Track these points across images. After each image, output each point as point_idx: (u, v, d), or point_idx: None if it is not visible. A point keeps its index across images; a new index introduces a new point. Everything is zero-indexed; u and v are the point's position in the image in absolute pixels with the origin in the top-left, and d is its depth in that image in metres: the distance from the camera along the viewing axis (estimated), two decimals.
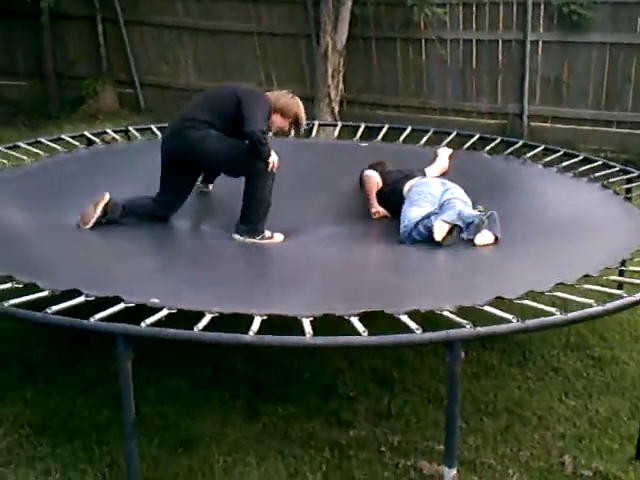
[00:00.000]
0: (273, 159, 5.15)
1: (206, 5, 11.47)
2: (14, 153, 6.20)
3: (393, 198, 5.65)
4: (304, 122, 5.65)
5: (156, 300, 3.41)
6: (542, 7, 9.84)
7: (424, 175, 5.84)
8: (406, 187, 5.62)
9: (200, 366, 4.51)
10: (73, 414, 4.09)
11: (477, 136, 6.80)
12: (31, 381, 4.39)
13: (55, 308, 3.32)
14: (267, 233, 5.27)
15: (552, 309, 3.38)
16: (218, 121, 5.20)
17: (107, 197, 5.11)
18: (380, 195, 5.79)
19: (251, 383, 4.41)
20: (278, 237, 5.32)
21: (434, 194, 5.35)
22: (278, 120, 5.45)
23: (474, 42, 10.33)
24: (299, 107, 5.52)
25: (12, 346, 4.79)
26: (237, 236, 5.25)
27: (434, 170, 6.02)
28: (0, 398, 4.22)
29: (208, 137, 5.17)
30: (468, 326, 3.15)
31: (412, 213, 5.19)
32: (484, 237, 4.87)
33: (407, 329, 3.17)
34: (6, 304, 3.38)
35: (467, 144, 6.69)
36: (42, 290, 3.59)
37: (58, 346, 4.75)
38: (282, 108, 5.44)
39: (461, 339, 3.13)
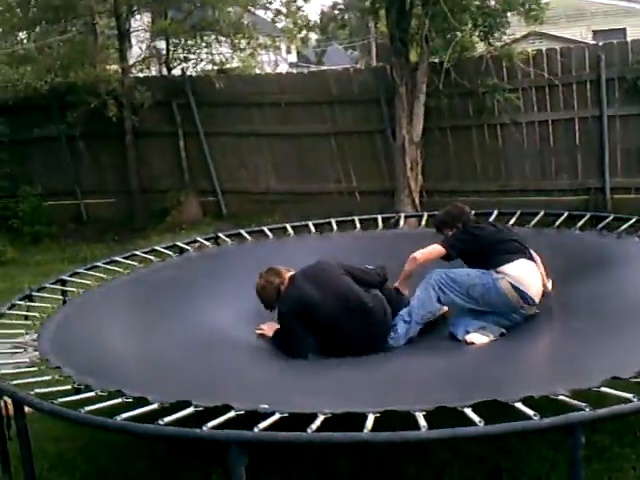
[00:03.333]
0: None
1: (281, 111, 11.82)
2: (112, 267, 6.37)
3: None
4: None
5: (266, 406, 3.40)
6: (616, 82, 9.84)
7: None
8: None
9: (303, 469, 4.44)
10: None
11: (566, 214, 6.64)
12: None
13: (166, 419, 3.34)
14: None
15: None
16: None
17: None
18: None
19: None
20: None
21: None
22: None
23: (550, 122, 10.37)
24: None
25: (113, 462, 4.81)
26: None
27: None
28: None
29: None
30: (587, 409, 3.04)
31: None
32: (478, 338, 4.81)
33: (523, 417, 3.08)
34: (118, 418, 3.42)
35: (557, 222, 6.56)
36: (151, 403, 3.61)
37: (159, 458, 4.74)
38: None
39: (582, 422, 3.03)
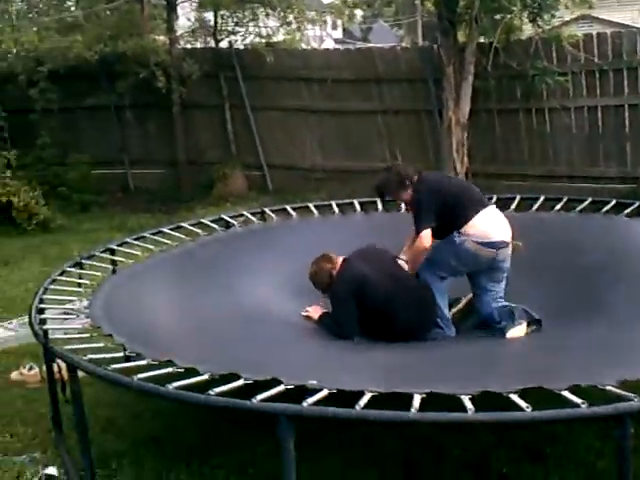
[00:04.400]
0: None
1: (329, 87, 11.83)
2: (159, 238, 6.47)
3: None
4: None
5: (314, 381, 3.46)
6: None
7: None
8: None
9: (352, 445, 4.51)
10: None
11: (613, 202, 6.53)
12: (184, 462, 4.47)
13: (217, 390, 3.42)
14: None
15: None
16: None
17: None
18: None
19: (403, 461, 4.37)
20: None
21: None
22: None
23: (599, 108, 10.25)
24: None
25: (164, 429, 4.92)
26: None
27: None
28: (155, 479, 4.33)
29: None
30: (637, 399, 3.06)
31: None
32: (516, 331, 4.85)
33: (570, 405, 3.11)
34: (170, 387, 3.51)
35: (604, 210, 6.50)
36: (201, 374, 3.68)
37: (208, 428, 4.83)
38: None
39: (631, 412, 3.04)
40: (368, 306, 4.96)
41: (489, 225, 5.13)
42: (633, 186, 10.05)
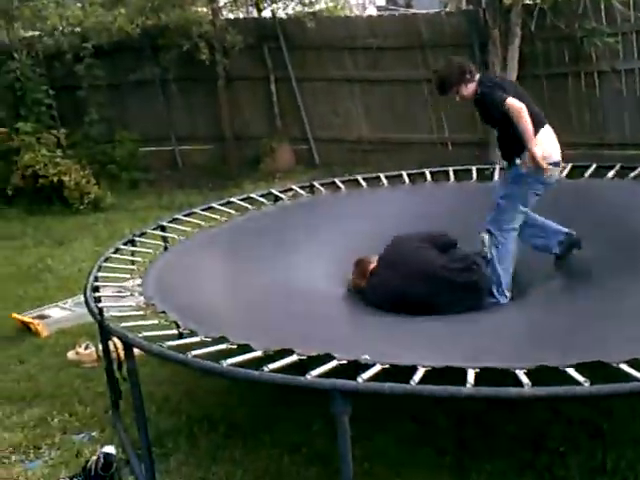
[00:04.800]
0: None
1: (373, 56, 11.71)
2: (209, 214, 6.51)
3: None
4: None
5: (367, 357, 3.46)
6: None
7: None
8: None
9: (403, 423, 4.50)
10: (282, 473, 4.18)
11: None
12: (240, 441, 4.51)
13: (271, 367, 3.44)
14: None
15: None
16: None
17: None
18: None
19: (455, 438, 4.35)
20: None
21: None
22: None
23: None
24: None
25: (217, 407, 4.96)
26: None
27: None
28: (211, 458, 4.37)
29: None
30: None
31: None
32: None
33: (628, 379, 3.06)
34: (224, 363, 3.53)
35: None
36: (255, 350, 3.70)
37: (261, 406, 4.87)
38: None
39: None
40: (408, 309, 4.93)
41: (552, 143, 5.12)
42: None
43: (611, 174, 6.48)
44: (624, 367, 3.15)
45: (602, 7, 9.92)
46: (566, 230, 5.39)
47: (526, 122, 4.91)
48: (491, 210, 5.35)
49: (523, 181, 5.13)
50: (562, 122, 10.51)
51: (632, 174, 6.40)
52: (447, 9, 12.71)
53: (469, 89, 5.20)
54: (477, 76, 5.22)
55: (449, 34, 11.11)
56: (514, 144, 5.08)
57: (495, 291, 5.13)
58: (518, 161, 5.12)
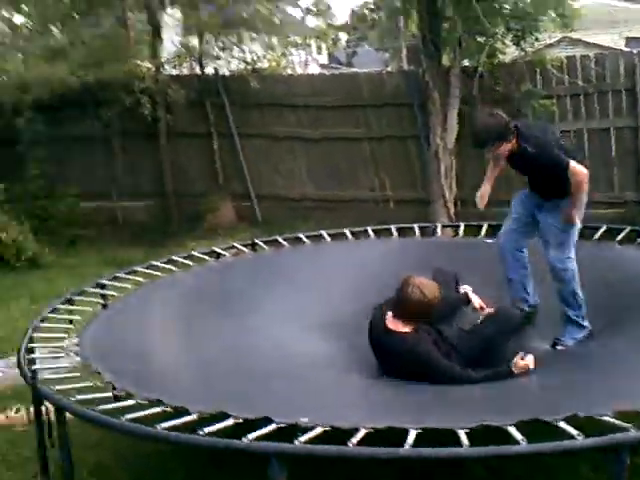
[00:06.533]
0: None
1: (315, 114, 11.80)
2: (150, 271, 6.40)
3: None
4: None
5: (306, 419, 3.41)
6: None
7: None
8: None
9: None
10: None
11: (604, 227, 6.53)
12: None
13: (207, 430, 3.36)
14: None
15: None
16: None
17: None
18: None
19: None
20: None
21: None
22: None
23: (585, 131, 10.26)
24: None
25: (151, 471, 4.84)
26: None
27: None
28: None
29: None
30: (633, 430, 3.02)
31: None
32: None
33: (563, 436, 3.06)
34: (159, 428, 3.44)
35: (595, 236, 6.47)
36: (191, 413, 3.62)
37: (196, 469, 4.73)
38: None
39: (627, 443, 3.00)
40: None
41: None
42: (621, 211, 10.02)
43: None
44: (563, 425, 3.16)
45: (538, 70, 10.21)
46: (533, 301, 5.37)
47: (585, 192, 4.96)
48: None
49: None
50: (502, 180, 10.70)
51: None
52: (388, 69, 12.93)
53: (507, 146, 5.00)
54: (513, 127, 4.99)
55: (390, 93, 11.28)
56: (555, 191, 5.09)
57: (580, 319, 5.06)
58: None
